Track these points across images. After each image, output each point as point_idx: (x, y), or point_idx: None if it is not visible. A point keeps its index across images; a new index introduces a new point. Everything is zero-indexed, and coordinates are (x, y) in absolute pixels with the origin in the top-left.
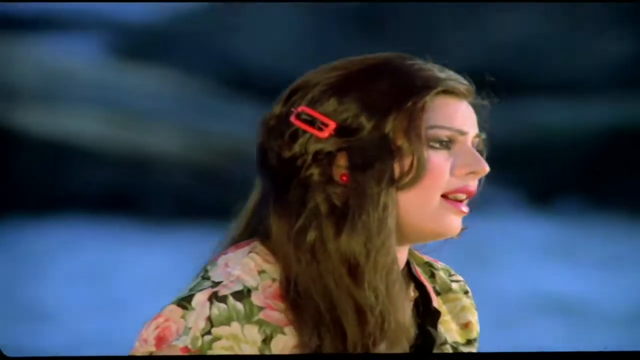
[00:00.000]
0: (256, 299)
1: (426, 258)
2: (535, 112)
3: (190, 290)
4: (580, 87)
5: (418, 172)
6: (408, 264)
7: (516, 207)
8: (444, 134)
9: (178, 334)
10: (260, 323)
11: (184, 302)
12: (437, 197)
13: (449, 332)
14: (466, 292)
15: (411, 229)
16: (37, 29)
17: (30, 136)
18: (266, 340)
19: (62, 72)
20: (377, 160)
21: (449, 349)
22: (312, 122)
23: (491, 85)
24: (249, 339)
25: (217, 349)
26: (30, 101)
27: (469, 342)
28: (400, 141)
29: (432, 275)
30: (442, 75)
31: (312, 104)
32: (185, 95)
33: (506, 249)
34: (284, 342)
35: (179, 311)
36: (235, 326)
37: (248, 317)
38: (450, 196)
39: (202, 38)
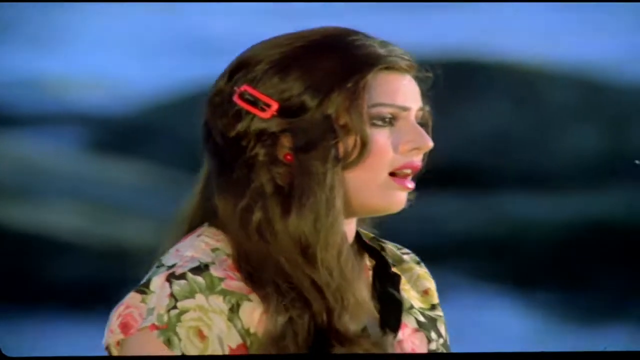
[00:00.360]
0: (215, 271)
1: (371, 234)
2: (511, 205)
3: (147, 278)
4: (554, 180)
5: (362, 151)
6: (358, 235)
7: (493, 297)
8: (386, 111)
9: (142, 317)
10: (224, 293)
11: (142, 288)
12: (384, 175)
13: (412, 299)
14: (418, 263)
15: (358, 205)
16: (14, 124)
17: (9, 230)
18: (233, 309)
19: (40, 166)
20: (321, 141)
21: (417, 314)
22: (254, 102)
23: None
24: (216, 308)
25: (187, 321)
26: (9, 195)
27: (433, 307)
28: (343, 121)
29: (382, 249)
30: (383, 51)
31: (255, 83)
32: (162, 187)
33: (482, 339)
34: (252, 309)
35: (138, 297)
36: (199, 297)
37: (210, 288)
38: (398, 172)
39: (179, 130)
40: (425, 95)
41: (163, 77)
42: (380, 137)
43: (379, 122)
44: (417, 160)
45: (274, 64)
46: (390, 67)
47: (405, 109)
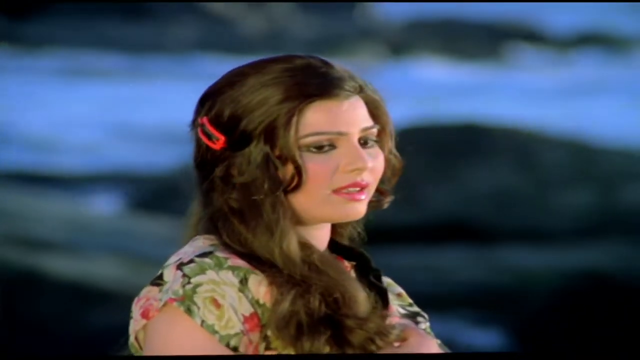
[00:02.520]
0: (219, 253)
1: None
2: (512, 257)
3: (158, 274)
4: (552, 234)
5: (299, 179)
6: (334, 242)
7: (496, 346)
8: (323, 138)
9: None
10: (232, 268)
11: (157, 281)
12: (324, 193)
13: (391, 299)
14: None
15: (313, 217)
16: (57, 186)
17: (54, 281)
18: (242, 282)
19: (82, 222)
20: (261, 172)
21: (399, 308)
22: (208, 135)
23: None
24: (227, 281)
25: (202, 292)
26: (57, 249)
27: (410, 304)
28: (279, 152)
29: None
30: (316, 81)
31: (214, 115)
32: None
33: None
34: (258, 282)
35: (155, 288)
36: (210, 273)
37: (219, 265)
38: (343, 190)
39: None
40: (374, 110)
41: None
42: (316, 164)
43: (315, 150)
44: (362, 178)
45: (228, 98)
46: (327, 97)
47: (343, 134)
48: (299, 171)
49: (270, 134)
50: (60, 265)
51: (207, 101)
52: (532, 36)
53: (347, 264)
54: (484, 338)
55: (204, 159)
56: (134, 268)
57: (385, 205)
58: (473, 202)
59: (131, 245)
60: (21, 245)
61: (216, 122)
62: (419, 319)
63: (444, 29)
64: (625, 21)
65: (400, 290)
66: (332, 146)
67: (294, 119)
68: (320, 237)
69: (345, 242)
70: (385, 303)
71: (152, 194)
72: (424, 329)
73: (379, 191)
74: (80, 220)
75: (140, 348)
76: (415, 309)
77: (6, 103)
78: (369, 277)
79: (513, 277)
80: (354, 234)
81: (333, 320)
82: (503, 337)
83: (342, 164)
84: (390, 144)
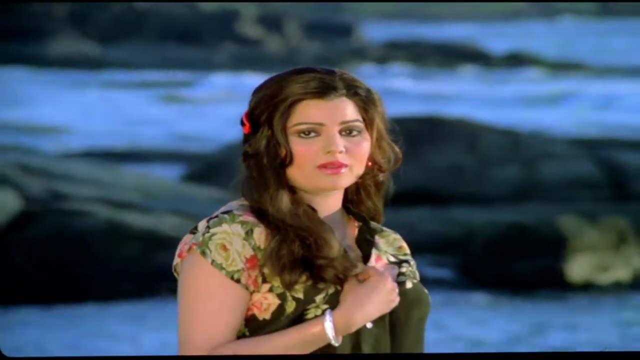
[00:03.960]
0: (236, 212)
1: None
2: (459, 215)
3: (195, 225)
4: (490, 198)
5: (290, 158)
6: (347, 208)
7: (448, 279)
8: (304, 127)
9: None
10: (242, 222)
11: (193, 230)
12: (310, 169)
13: (388, 251)
14: (398, 236)
15: (309, 187)
16: (132, 160)
17: (134, 231)
18: (248, 233)
19: (153, 189)
20: (264, 150)
21: (389, 256)
22: (243, 123)
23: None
24: (235, 232)
25: (215, 240)
26: (134, 208)
27: (405, 254)
28: (278, 137)
29: (367, 220)
30: (311, 84)
31: (248, 109)
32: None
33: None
34: (260, 232)
35: (190, 235)
36: (225, 226)
37: (233, 220)
38: (324, 167)
39: None
40: (363, 108)
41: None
42: (302, 146)
43: (302, 135)
44: (336, 158)
45: (254, 97)
46: (312, 97)
47: (321, 124)
48: (289, 152)
49: (270, 121)
50: (136, 219)
51: (252, 95)
52: (477, 56)
53: (355, 225)
54: (441, 273)
55: (243, 141)
56: (189, 222)
57: (382, 179)
58: (433, 175)
59: (187, 208)
60: (109, 205)
61: (247, 114)
62: (404, 264)
63: (412, 48)
64: (544, 46)
65: (402, 244)
66: (317, 133)
67: (287, 111)
68: (324, 203)
69: (365, 212)
70: (369, 248)
71: (205, 168)
72: (405, 272)
73: (379, 169)
74: (152, 187)
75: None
76: (405, 257)
77: (88, 110)
78: (366, 235)
79: (461, 229)
80: (371, 207)
81: (308, 259)
82: (453, 272)
83: (322, 146)
84: (376, 134)
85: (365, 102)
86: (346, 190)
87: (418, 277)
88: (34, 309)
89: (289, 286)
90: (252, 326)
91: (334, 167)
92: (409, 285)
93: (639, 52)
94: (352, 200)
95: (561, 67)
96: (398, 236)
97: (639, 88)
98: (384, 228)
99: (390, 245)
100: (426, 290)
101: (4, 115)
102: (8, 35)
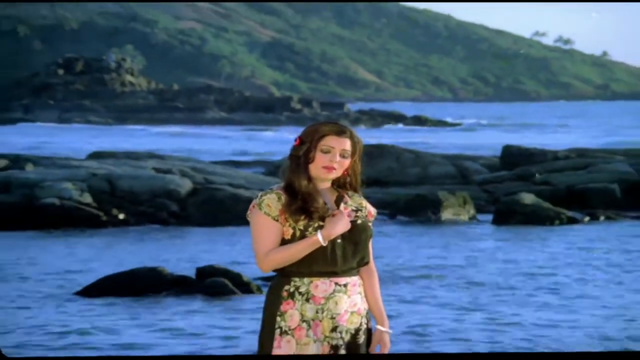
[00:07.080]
0: (276, 189)
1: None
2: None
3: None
4: None
5: (312, 160)
6: (336, 188)
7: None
8: (325, 148)
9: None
10: (277, 194)
11: (256, 197)
12: (320, 167)
13: (352, 204)
14: (370, 205)
15: (317, 176)
16: None
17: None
18: (279, 198)
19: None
20: (303, 154)
21: (353, 208)
22: (295, 140)
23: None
24: (272, 198)
25: (264, 202)
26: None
27: (362, 206)
28: (311, 149)
29: (345, 194)
30: (331, 128)
31: (301, 134)
32: None
33: None
34: (285, 198)
35: (256, 200)
36: (268, 195)
37: (271, 192)
38: (325, 167)
39: None
40: (353, 146)
41: None
42: (321, 156)
43: (323, 151)
44: (332, 165)
45: (302, 132)
46: (333, 135)
47: (331, 148)
48: (313, 157)
49: (310, 141)
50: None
51: (301, 134)
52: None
53: (336, 194)
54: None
55: (291, 149)
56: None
57: (349, 179)
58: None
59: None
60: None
61: (300, 137)
62: (359, 212)
63: None
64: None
65: (362, 201)
66: (329, 152)
67: (320, 139)
68: (322, 184)
69: (347, 189)
70: (337, 206)
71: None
72: (358, 214)
73: (348, 174)
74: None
75: None
76: (361, 208)
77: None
78: (339, 199)
79: (392, 197)
80: (348, 187)
81: (306, 209)
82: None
83: (327, 158)
84: (355, 158)
85: (355, 143)
86: (337, 179)
87: (370, 218)
88: None
89: (296, 222)
90: (283, 242)
91: (329, 169)
92: (359, 221)
93: None
94: (339, 183)
95: None
96: (362, 199)
97: None
98: (359, 196)
99: (354, 203)
100: (370, 224)
101: None
102: None
